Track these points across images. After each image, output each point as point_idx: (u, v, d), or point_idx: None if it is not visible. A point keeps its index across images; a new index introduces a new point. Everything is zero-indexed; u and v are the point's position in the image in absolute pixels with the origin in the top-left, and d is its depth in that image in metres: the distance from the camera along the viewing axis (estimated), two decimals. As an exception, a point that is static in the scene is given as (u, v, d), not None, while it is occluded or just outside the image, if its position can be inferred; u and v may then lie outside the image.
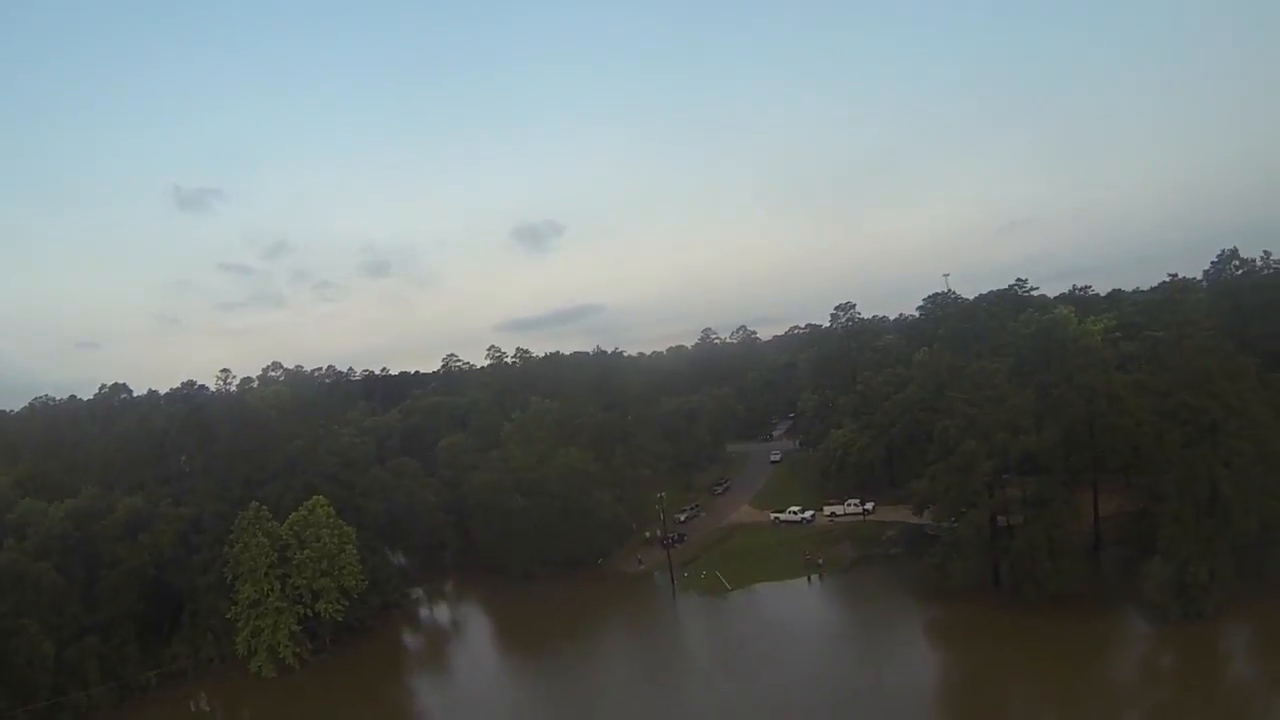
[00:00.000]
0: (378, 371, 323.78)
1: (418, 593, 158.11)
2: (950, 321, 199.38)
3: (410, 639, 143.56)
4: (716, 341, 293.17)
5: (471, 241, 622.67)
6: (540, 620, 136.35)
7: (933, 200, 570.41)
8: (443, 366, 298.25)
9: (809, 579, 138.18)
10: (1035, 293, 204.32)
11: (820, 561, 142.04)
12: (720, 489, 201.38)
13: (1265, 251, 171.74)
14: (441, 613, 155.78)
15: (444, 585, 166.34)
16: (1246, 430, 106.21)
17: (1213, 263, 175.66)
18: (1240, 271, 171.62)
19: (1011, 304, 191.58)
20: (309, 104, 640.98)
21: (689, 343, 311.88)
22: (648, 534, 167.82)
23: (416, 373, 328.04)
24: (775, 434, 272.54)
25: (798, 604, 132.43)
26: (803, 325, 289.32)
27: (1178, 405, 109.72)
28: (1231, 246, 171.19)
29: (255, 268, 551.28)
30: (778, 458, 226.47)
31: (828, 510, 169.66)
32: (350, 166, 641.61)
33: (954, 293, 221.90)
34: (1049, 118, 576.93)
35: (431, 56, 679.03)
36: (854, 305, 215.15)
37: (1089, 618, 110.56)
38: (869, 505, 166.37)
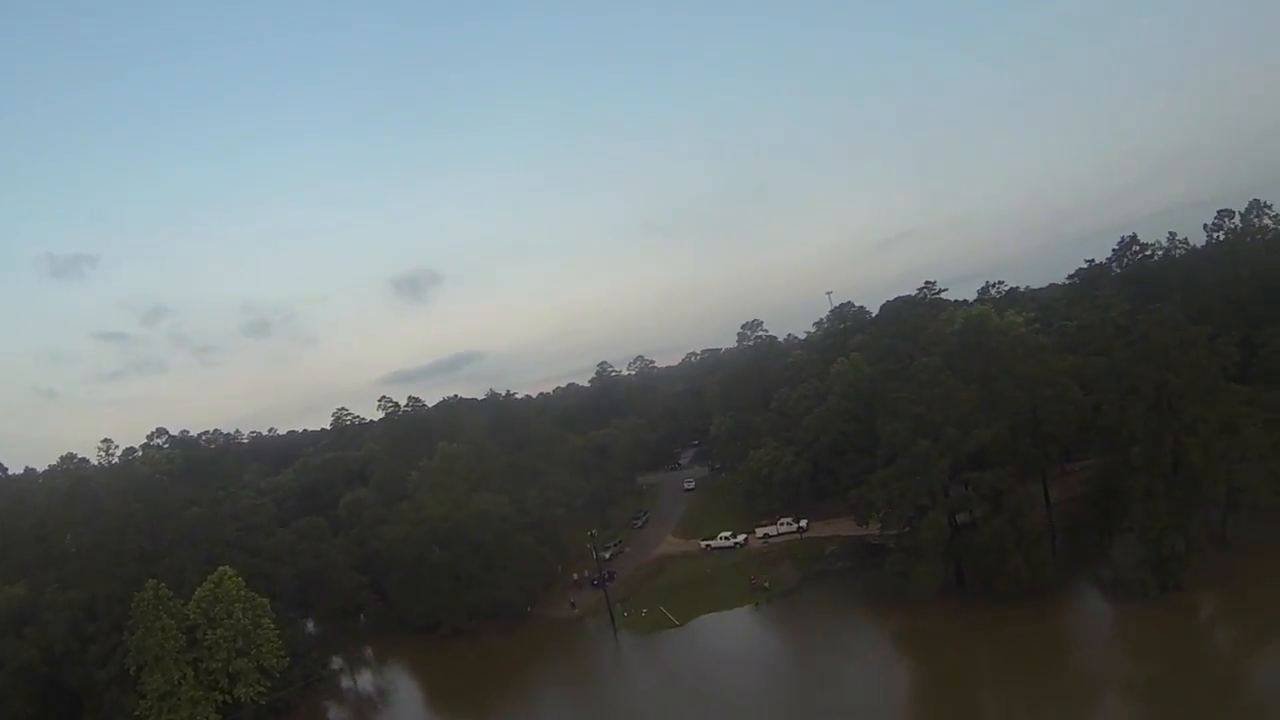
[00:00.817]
0: (265, 432, 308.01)
1: (337, 662, 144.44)
2: (868, 329, 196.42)
3: (336, 714, 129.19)
4: (613, 374, 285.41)
5: (350, 295, 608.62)
6: (475, 679, 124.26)
7: (812, 222, 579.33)
8: (334, 421, 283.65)
9: (756, 604, 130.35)
10: (944, 294, 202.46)
11: (765, 584, 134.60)
12: (639, 522, 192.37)
13: (1170, 233, 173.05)
14: (366, 682, 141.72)
15: (364, 651, 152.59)
16: (1205, 398, 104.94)
17: (1114, 250, 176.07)
18: (1141, 255, 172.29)
19: (923, 308, 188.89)
20: (178, 162, 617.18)
21: (583, 380, 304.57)
22: (575, 575, 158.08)
23: (306, 431, 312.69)
24: (682, 462, 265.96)
25: (749, 631, 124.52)
26: (699, 351, 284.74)
27: (1138, 379, 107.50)
28: (1131, 233, 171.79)
29: (133, 334, 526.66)
30: (692, 485, 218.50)
31: (760, 532, 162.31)
32: (225, 225, 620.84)
33: (855, 304, 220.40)
34: (914, 134, 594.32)
35: (299, 112, 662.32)
36: (761, 322, 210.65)
37: (1064, 606, 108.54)
38: (803, 523, 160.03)
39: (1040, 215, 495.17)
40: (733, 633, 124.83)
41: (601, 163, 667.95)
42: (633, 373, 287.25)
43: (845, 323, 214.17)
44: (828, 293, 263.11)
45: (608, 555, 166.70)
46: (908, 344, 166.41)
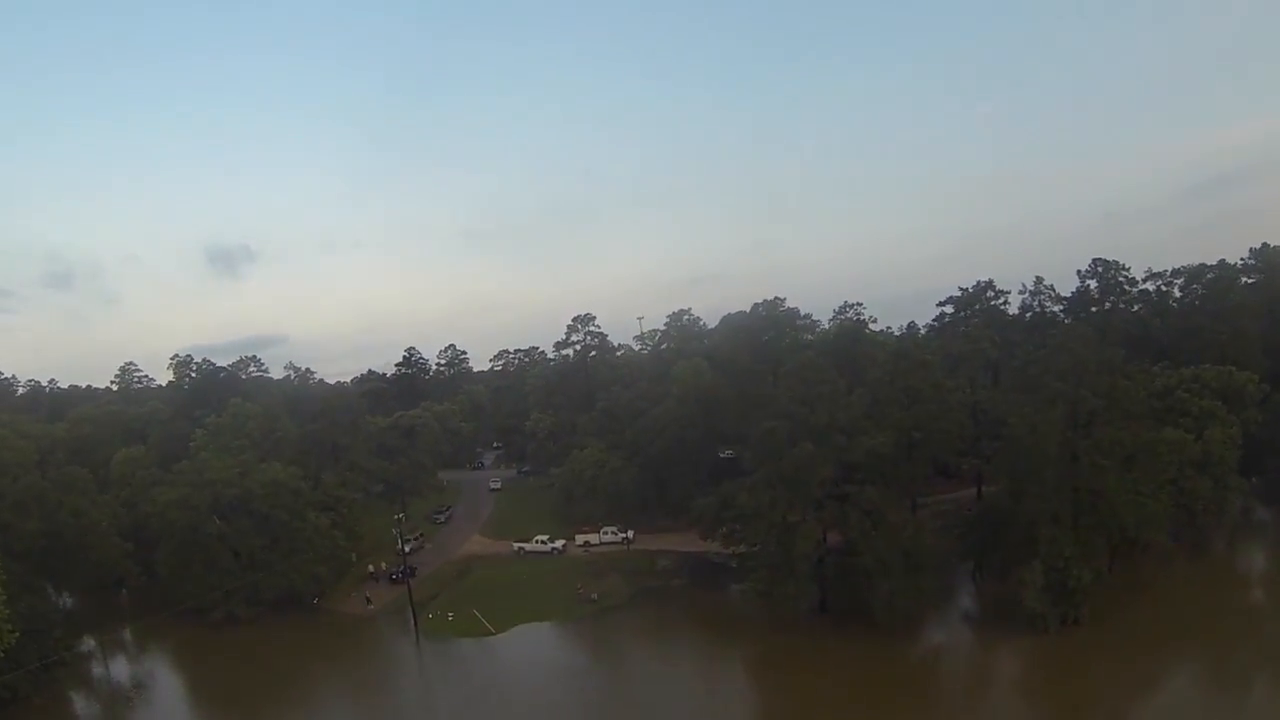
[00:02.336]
0: (45, 383, 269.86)
1: (89, 644, 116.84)
2: (711, 337, 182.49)
3: (82, 707, 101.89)
4: (422, 363, 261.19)
5: (162, 258, 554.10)
6: (250, 676, 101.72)
7: (629, 252, 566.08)
8: (118, 377, 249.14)
9: (582, 618, 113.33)
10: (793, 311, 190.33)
11: (594, 597, 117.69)
12: (442, 518, 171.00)
13: (1037, 277, 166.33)
14: (121, 670, 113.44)
15: (122, 633, 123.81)
16: (1122, 422, 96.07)
17: (965, 291, 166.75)
18: (996, 302, 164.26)
19: (775, 319, 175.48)
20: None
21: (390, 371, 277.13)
22: (371, 567, 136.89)
23: (89, 387, 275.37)
24: (485, 463, 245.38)
25: (575, 646, 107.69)
26: (512, 350, 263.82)
27: (1054, 394, 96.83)
28: (988, 279, 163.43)
29: None
30: (498, 485, 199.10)
31: (580, 539, 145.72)
32: (34, 164, 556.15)
33: (694, 315, 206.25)
34: (732, 176, 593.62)
35: (122, 62, 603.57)
36: (593, 317, 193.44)
37: (949, 638, 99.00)
38: (629, 533, 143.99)
39: (855, 273, 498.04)
40: (556, 646, 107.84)
41: (427, 165, 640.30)
42: (443, 362, 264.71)
43: (683, 331, 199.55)
44: (639, 318, 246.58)
45: (407, 550, 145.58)
46: (764, 351, 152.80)
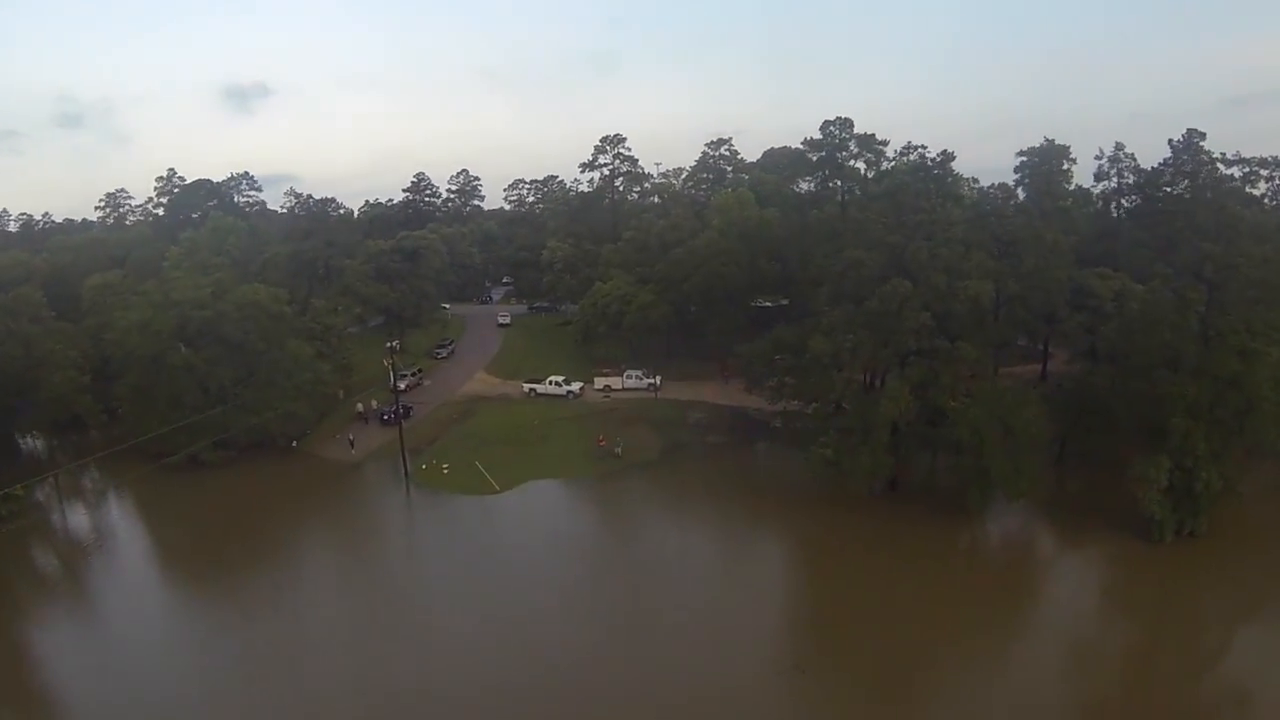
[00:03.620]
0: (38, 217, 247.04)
1: (46, 490, 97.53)
2: (757, 169, 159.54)
3: (38, 557, 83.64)
4: (432, 190, 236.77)
5: (175, 97, 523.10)
6: (218, 531, 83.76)
7: (653, 103, 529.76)
8: (103, 203, 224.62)
9: (602, 475, 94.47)
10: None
11: (617, 450, 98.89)
12: (444, 352, 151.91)
13: (1118, 144, 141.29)
14: (79, 519, 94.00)
15: (81, 477, 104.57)
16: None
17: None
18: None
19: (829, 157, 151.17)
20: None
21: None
22: (360, 406, 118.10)
23: (84, 220, 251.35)
24: (493, 296, 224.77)
25: (596, 511, 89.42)
26: (528, 180, 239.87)
27: (1204, 259, 77.26)
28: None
29: None
30: (507, 320, 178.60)
31: (600, 383, 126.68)
32: (47, 3, 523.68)
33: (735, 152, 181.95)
34: (760, 34, 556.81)
35: None
36: (624, 139, 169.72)
37: (1043, 535, 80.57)
38: (656, 379, 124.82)
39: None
40: (570, 508, 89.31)
41: (447, 2, 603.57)
42: (454, 189, 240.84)
43: (718, 158, 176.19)
44: (656, 164, 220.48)
45: (403, 386, 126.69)
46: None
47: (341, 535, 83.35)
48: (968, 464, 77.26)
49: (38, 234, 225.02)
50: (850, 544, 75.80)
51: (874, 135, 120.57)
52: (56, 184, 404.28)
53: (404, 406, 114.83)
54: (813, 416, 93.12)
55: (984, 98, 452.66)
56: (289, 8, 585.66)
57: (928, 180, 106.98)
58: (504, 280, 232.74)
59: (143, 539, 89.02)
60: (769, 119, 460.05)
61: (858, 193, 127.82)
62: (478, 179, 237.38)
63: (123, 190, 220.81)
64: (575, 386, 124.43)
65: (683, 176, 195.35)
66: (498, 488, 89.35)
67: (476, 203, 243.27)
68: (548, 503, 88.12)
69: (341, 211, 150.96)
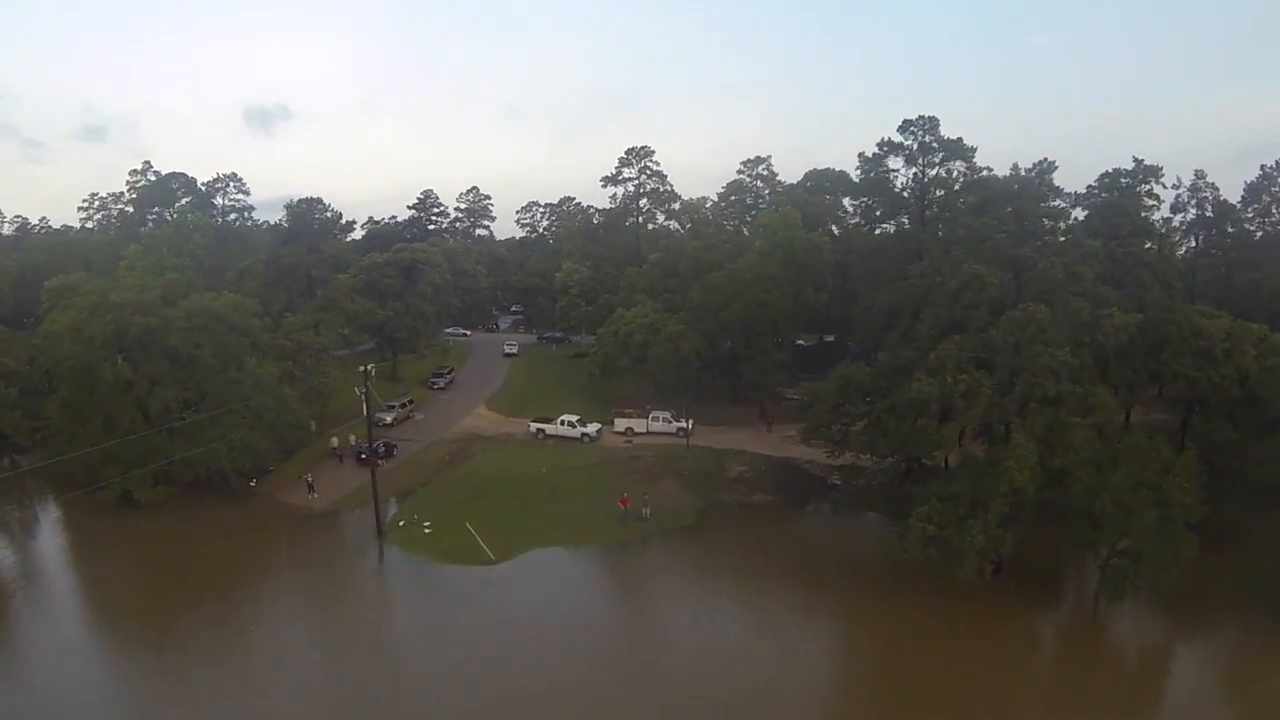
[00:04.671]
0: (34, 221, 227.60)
1: None
2: (800, 192, 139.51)
3: None
4: (440, 209, 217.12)
5: (198, 115, 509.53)
6: (127, 595, 63.47)
7: (672, 144, 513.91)
8: (89, 203, 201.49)
9: (626, 544, 73.93)
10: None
11: (646, 511, 78.23)
12: (440, 382, 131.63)
13: (1197, 171, 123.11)
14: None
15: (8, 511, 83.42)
16: None
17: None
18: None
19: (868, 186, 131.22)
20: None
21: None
22: (335, 441, 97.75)
23: (84, 226, 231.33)
24: (500, 325, 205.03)
25: (620, 598, 67.63)
26: (543, 203, 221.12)
27: None
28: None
29: None
30: (514, 350, 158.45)
31: (621, 424, 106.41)
32: (73, 13, 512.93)
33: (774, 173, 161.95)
34: (782, 80, 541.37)
35: None
36: (651, 150, 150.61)
37: (1216, 639, 59.56)
38: (686, 423, 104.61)
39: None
40: (586, 592, 67.27)
41: (471, 35, 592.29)
42: (462, 206, 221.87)
43: (754, 178, 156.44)
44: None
45: (389, 420, 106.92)
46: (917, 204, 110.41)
47: (281, 620, 61.98)
48: (1102, 541, 57.45)
49: (33, 239, 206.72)
50: (947, 646, 55.18)
51: (961, 140, 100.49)
52: (77, 196, 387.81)
53: (387, 444, 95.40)
54: (885, 474, 74.54)
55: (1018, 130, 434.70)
56: (315, 32, 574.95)
57: (1031, 193, 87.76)
58: (512, 309, 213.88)
59: (66, 581, 68.19)
60: (786, 161, 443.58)
61: (933, 209, 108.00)
62: (488, 198, 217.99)
63: (112, 194, 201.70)
64: (592, 429, 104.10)
65: (708, 205, 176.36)
66: (493, 557, 68.11)
67: (487, 225, 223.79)
68: (557, 580, 66.64)
69: (329, 214, 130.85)
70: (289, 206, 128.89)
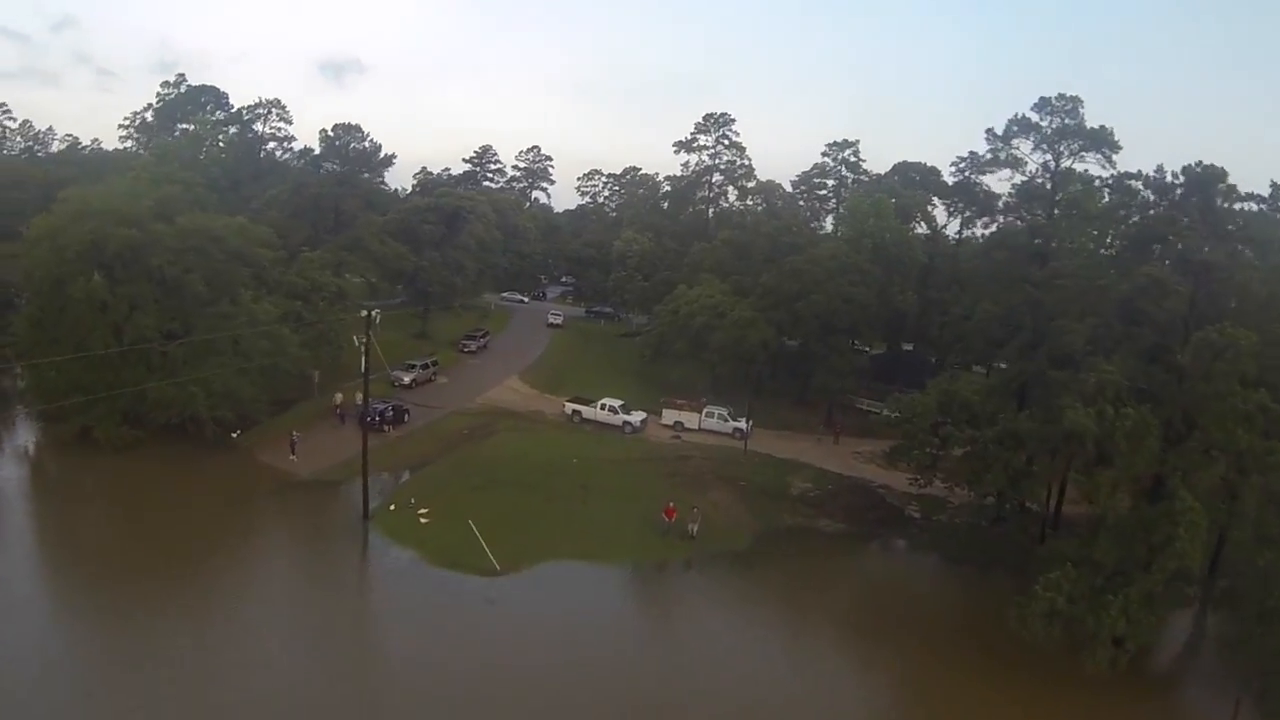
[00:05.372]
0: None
1: None
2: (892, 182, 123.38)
3: None
4: (497, 165, 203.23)
5: (271, 63, 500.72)
6: (62, 550, 52.80)
7: (757, 126, 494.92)
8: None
9: (664, 566, 59.24)
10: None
11: (692, 528, 62.78)
12: (473, 345, 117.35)
13: None
14: None
15: None
16: None
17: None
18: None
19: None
20: None
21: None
22: (339, 398, 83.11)
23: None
24: (548, 293, 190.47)
25: (666, 635, 52.12)
26: (605, 173, 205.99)
27: None
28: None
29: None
30: (559, 320, 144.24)
31: (670, 416, 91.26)
32: None
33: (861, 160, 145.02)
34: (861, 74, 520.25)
35: None
36: (733, 120, 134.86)
37: None
38: (745, 423, 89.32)
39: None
40: (614, 622, 51.95)
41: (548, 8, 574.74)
42: (520, 165, 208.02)
43: (839, 163, 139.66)
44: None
45: (406, 380, 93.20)
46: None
47: (231, 614, 47.58)
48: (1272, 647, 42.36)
49: (79, 156, 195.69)
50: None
51: (1107, 129, 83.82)
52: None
53: (397, 408, 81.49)
54: (975, 514, 62.41)
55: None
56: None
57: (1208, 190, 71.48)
58: (562, 279, 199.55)
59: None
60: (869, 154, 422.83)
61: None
62: (549, 159, 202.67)
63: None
64: (636, 418, 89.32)
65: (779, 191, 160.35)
66: (498, 566, 53.56)
67: (545, 188, 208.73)
68: (574, 606, 51.51)
69: (367, 144, 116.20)
70: (323, 132, 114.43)
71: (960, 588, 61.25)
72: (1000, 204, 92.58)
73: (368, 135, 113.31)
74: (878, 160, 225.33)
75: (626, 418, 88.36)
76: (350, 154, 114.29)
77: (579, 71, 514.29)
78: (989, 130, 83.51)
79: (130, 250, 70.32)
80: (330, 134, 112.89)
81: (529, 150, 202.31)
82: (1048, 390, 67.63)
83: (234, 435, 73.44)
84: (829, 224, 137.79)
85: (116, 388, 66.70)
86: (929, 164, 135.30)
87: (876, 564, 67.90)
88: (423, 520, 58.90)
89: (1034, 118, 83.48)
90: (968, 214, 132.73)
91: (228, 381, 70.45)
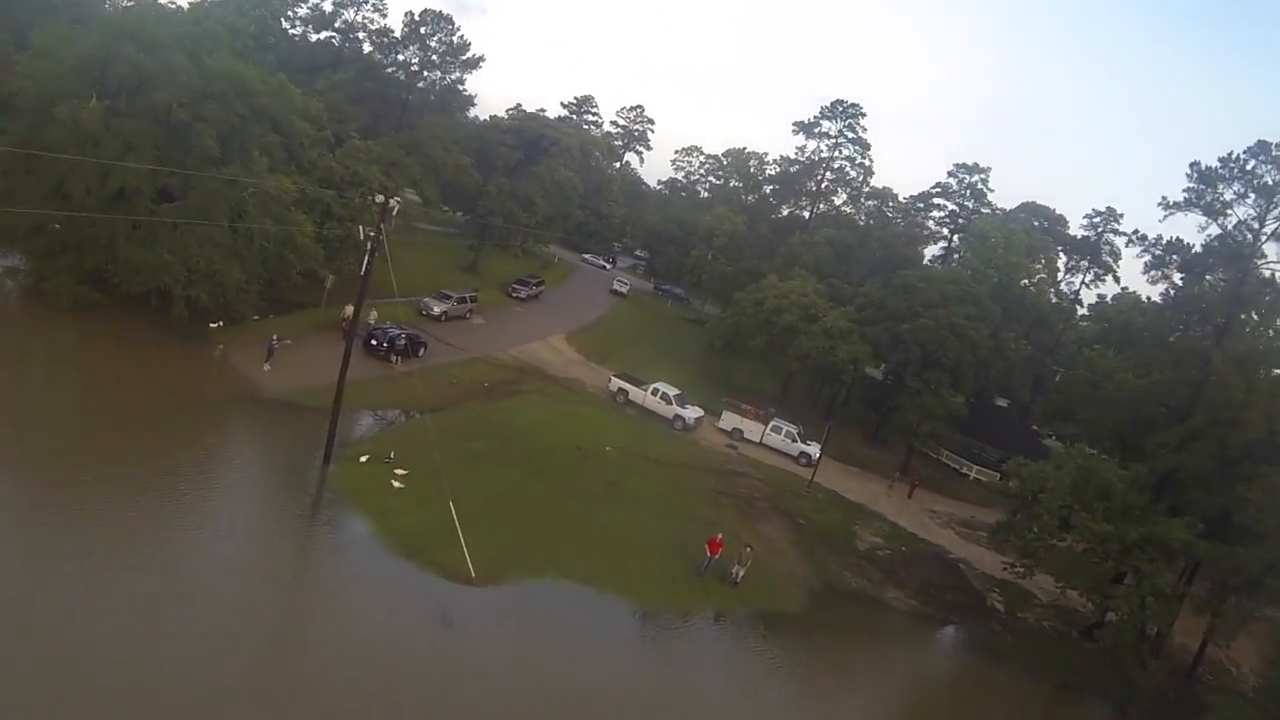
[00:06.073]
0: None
1: None
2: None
3: None
4: (595, 118, 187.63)
5: None
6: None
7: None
8: None
9: (690, 618, 43.34)
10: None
11: (738, 572, 46.84)
12: (524, 291, 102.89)
13: None
14: None
15: None
16: None
17: None
18: None
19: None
20: None
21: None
22: (348, 310, 67.52)
23: None
24: (619, 263, 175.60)
25: (657, 697, 36.71)
26: (705, 153, 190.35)
27: None
28: None
29: None
30: (625, 288, 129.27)
31: (729, 421, 76.39)
32: None
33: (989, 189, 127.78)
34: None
35: None
36: (861, 110, 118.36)
37: None
38: (811, 448, 73.77)
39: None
40: (612, 687, 36.43)
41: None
42: (620, 123, 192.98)
43: (967, 186, 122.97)
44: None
45: (436, 311, 79.45)
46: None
47: (85, 561, 33.94)
48: None
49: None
50: None
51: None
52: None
53: (412, 336, 67.59)
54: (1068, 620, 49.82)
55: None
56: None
57: None
58: (636, 253, 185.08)
59: None
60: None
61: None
62: (651, 121, 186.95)
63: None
64: (691, 413, 74.44)
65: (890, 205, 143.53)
66: (472, 572, 38.29)
67: (640, 151, 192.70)
68: (561, 654, 36.01)
69: (455, 38, 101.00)
70: (408, 15, 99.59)
71: (1044, 713, 46.98)
72: (1171, 258, 75.41)
73: (458, 29, 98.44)
74: (1001, 196, 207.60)
75: (680, 411, 73.51)
76: (431, 39, 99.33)
77: (698, 52, 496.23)
78: (1193, 164, 66.93)
79: (138, 78, 56.83)
80: (416, 18, 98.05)
81: (632, 109, 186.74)
82: (1209, 493, 53.53)
83: (212, 326, 59.89)
84: (936, 250, 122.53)
85: (88, 240, 53.81)
86: (1056, 210, 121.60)
87: (950, 665, 52.62)
88: (396, 484, 44.40)
89: (1249, 162, 67.01)
90: (1091, 272, 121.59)
91: (212, 259, 56.87)
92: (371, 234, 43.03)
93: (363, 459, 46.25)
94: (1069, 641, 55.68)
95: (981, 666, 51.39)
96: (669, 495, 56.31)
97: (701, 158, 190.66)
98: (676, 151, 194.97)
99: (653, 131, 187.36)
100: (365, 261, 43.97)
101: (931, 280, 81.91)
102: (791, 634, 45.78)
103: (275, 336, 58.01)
